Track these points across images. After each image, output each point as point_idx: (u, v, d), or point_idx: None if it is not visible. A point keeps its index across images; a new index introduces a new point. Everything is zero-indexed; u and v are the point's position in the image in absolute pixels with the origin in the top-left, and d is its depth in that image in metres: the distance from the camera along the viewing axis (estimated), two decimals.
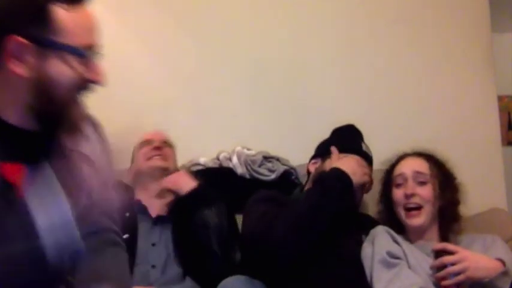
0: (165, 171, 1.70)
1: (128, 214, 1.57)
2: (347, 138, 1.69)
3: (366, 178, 1.55)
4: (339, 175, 1.46)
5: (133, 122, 2.13)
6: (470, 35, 2.30)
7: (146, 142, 1.75)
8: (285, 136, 2.18)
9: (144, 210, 1.64)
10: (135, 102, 2.16)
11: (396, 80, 2.25)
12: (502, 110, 2.63)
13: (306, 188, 1.67)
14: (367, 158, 1.64)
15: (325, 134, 1.78)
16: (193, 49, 2.22)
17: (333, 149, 1.60)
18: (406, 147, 2.17)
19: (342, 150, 1.61)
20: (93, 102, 2.22)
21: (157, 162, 1.69)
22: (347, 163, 1.51)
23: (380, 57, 2.26)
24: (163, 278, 1.52)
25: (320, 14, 2.28)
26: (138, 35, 2.22)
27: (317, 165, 1.66)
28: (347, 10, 2.28)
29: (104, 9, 2.19)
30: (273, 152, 2.04)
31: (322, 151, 1.68)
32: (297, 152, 1.99)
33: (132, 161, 1.78)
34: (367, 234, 1.49)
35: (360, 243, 1.47)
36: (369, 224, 1.59)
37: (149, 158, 1.70)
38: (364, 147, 1.65)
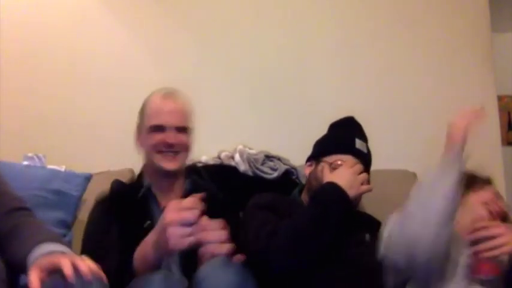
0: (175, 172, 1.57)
1: (148, 222, 1.47)
2: (340, 136, 1.63)
3: (363, 189, 1.48)
4: (335, 193, 1.41)
5: (133, 122, 2.14)
6: (470, 34, 2.30)
7: (158, 128, 1.52)
8: (286, 136, 2.18)
9: (153, 197, 1.55)
10: (134, 102, 2.16)
11: (396, 80, 2.25)
12: (501, 110, 2.64)
13: (303, 195, 1.66)
14: (361, 157, 1.57)
15: None
16: (194, 49, 2.22)
17: (324, 165, 1.56)
18: (406, 148, 2.18)
19: (335, 150, 1.57)
20: (92, 103, 2.24)
21: (168, 165, 1.53)
22: (341, 176, 1.45)
23: (380, 57, 2.26)
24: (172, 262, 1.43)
25: (320, 15, 2.28)
26: (138, 35, 2.22)
27: (311, 168, 1.63)
28: (347, 11, 2.29)
29: (104, 10, 2.20)
30: (273, 153, 2.04)
31: (317, 153, 1.65)
32: (298, 153, 1.99)
33: (140, 129, 1.59)
34: (370, 233, 1.49)
35: (362, 243, 1.47)
36: (370, 223, 1.58)
37: (159, 157, 1.53)
38: (358, 145, 1.58)
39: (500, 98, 2.44)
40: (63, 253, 1.07)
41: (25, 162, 1.89)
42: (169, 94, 1.59)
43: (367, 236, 1.48)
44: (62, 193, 1.79)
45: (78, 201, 1.82)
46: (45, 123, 2.10)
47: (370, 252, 1.41)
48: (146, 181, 1.56)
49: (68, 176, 1.84)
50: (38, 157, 1.92)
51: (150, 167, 1.57)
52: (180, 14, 2.23)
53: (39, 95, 2.13)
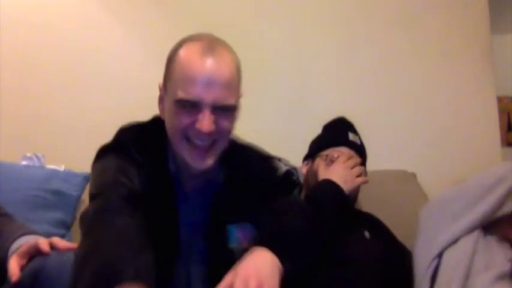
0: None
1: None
2: (333, 132, 1.67)
3: (358, 181, 1.48)
4: (330, 189, 1.42)
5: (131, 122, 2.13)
6: (470, 36, 2.30)
7: (188, 104, 1.05)
8: (284, 139, 2.18)
9: (178, 177, 1.17)
10: (133, 102, 2.16)
11: (396, 81, 2.25)
12: (501, 111, 2.63)
13: (302, 193, 1.66)
14: (355, 148, 1.59)
15: None
16: None
17: (319, 159, 1.57)
18: (405, 148, 2.18)
19: (329, 145, 1.60)
20: (91, 102, 2.24)
21: (197, 163, 1.09)
22: (335, 172, 1.46)
23: (379, 58, 2.26)
24: (190, 256, 1.16)
25: (319, 17, 2.28)
26: (138, 35, 2.22)
27: (308, 167, 1.66)
28: (347, 12, 2.28)
29: (103, 10, 2.20)
30: (271, 154, 2.04)
31: (312, 152, 1.68)
32: (296, 155, 1.99)
33: (164, 91, 1.14)
34: (369, 231, 1.49)
35: (361, 242, 1.47)
36: (369, 221, 1.58)
37: (186, 149, 1.08)
38: (351, 137, 1.61)
39: (499, 99, 2.44)
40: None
41: (24, 162, 1.89)
42: (211, 49, 1.07)
43: (367, 234, 1.48)
44: (61, 193, 1.78)
45: (77, 201, 1.82)
46: (43, 123, 2.10)
47: (370, 250, 1.41)
48: (171, 159, 1.15)
49: (67, 176, 1.84)
50: (37, 157, 1.91)
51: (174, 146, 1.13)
52: (178, 13, 2.23)
53: (38, 94, 2.12)
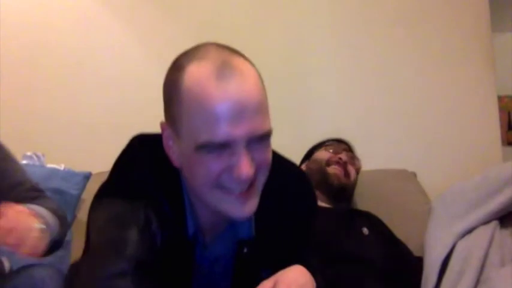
0: None
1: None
2: (327, 140, 1.85)
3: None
4: None
5: (132, 121, 2.14)
6: (471, 35, 2.29)
7: (219, 146, 0.80)
8: (284, 143, 2.17)
9: (199, 233, 0.94)
10: (133, 101, 2.16)
11: (396, 79, 2.25)
12: (501, 110, 2.63)
13: None
14: (347, 144, 1.80)
15: None
16: None
17: (317, 152, 1.77)
18: (406, 147, 2.18)
19: (324, 143, 1.79)
20: (91, 101, 2.23)
21: (240, 211, 0.84)
22: None
23: (380, 58, 2.25)
24: None
25: (319, 17, 2.27)
26: (139, 35, 2.21)
27: (308, 163, 1.77)
28: (347, 11, 2.28)
29: (104, 10, 2.19)
30: None
31: (309, 152, 1.82)
32: (296, 157, 2.00)
33: (169, 128, 0.88)
34: (368, 228, 1.50)
35: (360, 237, 1.48)
36: (367, 218, 1.59)
37: (222, 199, 0.84)
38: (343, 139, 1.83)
39: (500, 98, 2.44)
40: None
41: (24, 161, 1.88)
42: (227, 66, 0.82)
43: (365, 230, 1.50)
44: (61, 192, 1.78)
45: (77, 200, 1.82)
46: (43, 121, 2.10)
47: (369, 244, 1.43)
48: (191, 219, 0.91)
49: (67, 175, 1.84)
50: (37, 156, 1.91)
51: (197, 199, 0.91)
52: (180, 12, 2.23)
53: (38, 93, 2.12)
